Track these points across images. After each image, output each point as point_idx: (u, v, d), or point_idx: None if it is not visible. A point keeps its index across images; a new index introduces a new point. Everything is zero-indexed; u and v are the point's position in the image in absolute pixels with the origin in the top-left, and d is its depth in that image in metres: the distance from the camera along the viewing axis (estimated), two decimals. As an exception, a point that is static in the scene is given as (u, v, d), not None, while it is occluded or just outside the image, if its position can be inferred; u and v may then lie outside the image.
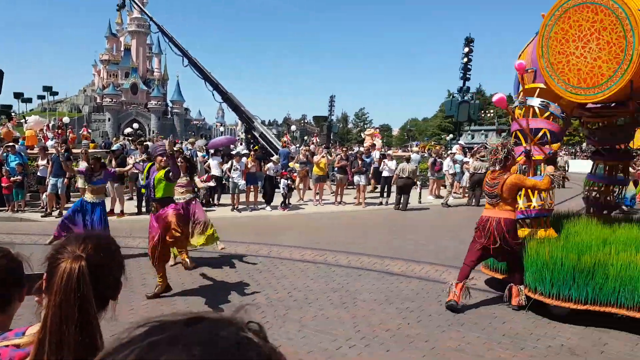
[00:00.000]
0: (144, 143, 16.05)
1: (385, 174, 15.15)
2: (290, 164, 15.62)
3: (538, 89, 6.28)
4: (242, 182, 13.39)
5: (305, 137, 48.55)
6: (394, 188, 14.92)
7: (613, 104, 6.52)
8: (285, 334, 5.02)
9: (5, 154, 13.50)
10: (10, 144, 14.50)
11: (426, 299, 6.21)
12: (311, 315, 5.60)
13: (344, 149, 17.23)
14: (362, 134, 26.77)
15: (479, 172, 14.22)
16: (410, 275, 7.30)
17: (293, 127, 40.73)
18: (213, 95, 23.52)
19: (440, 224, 12.40)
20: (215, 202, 14.44)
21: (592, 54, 5.50)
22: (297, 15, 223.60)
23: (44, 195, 13.05)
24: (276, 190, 14.30)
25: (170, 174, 6.14)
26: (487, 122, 63.52)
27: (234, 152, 15.59)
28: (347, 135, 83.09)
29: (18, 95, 68.90)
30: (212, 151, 15.60)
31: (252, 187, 13.81)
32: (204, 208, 12.99)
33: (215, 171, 14.10)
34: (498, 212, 5.66)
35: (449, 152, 16.64)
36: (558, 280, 5.32)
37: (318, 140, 35.11)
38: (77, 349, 1.11)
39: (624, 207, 11.19)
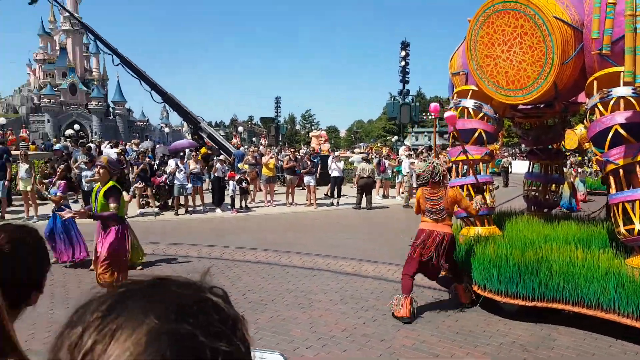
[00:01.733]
0: (86, 145, 15.47)
1: (334, 174, 15.33)
2: (240, 165, 15.50)
3: (471, 91, 6.57)
4: (189, 185, 13.14)
5: (254, 139, 48.26)
6: (344, 190, 15.11)
7: (542, 105, 6.94)
8: (242, 337, 5.00)
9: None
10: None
11: (380, 298, 6.34)
12: (267, 317, 5.61)
13: (293, 150, 17.26)
14: (310, 135, 26.93)
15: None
16: (364, 275, 7.45)
17: (240, 129, 40.33)
18: (151, 95, 22.85)
19: (393, 223, 12.70)
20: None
21: (517, 57, 5.77)
22: (240, 13, 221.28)
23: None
24: (225, 192, 14.14)
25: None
26: (430, 123, 65.66)
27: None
28: (295, 137, 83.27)
29: (-59, 94, 64.01)
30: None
31: (197, 188, 13.64)
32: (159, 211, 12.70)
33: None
34: (443, 227, 5.64)
35: (406, 153, 16.93)
36: (505, 277, 5.48)
37: (266, 142, 35.05)
38: None
39: (564, 210, 11.77)
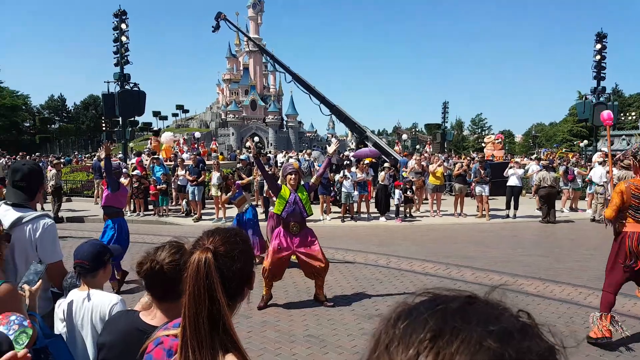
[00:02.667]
0: (264, 153, 16.98)
1: (511, 182, 14.10)
2: (404, 174, 15.31)
3: None
4: (355, 193, 13.43)
5: (418, 146, 47.58)
6: (522, 199, 13.84)
7: None
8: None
9: (151, 165, 15.17)
10: (155, 156, 16.23)
11: (570, 323, 5.54)
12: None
13: (464, 157, 16.45)
14: (484, 141, 25.28)
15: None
16: (549, 297, 6.60)
17: (404, 136, 39.99)
18: (320, 108, 24.07)
19: (581, 239, 11.18)
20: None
21: None
22: (405, 18, 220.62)
23: (183, 202, 14.53)
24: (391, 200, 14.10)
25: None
26: (629, 125, 56.79)
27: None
28: (462, 143, 79.91)
29: (156, 114, 77.24)
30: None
31: (363, 196, 13.85)
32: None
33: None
34: None
35: (599, 160, 14.73)
36: None
37: (431, 149, 34.23)
38: (213, 338, 1.20)
39: None
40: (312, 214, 6.43)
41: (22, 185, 2.71)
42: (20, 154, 20.29)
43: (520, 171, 14.35)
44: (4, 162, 19.27)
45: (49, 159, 19.30)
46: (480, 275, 7.69)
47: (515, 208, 14.05)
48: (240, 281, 1.34)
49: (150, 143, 32.18)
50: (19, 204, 2.66)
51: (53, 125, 70.78)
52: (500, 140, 22.61)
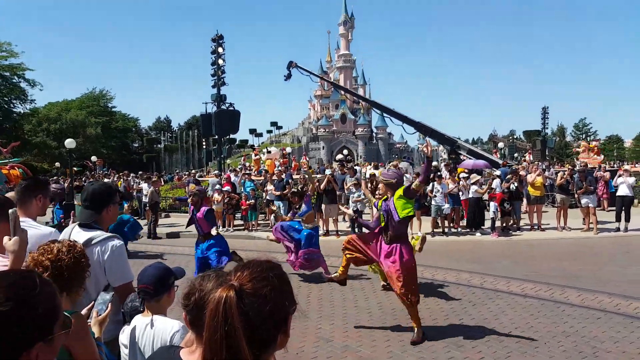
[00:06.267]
0: (351, 166, 16.93)
1: (621, 192, 12.65)
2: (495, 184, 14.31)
3: None
4: (446, 206, 12.82)
5: (516, 154, 44.85)
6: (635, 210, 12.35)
7: None
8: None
9: (243, 181, 15.79)
10: (247, 171, 16.91)
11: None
12: (539, 364, 4.78)
13: (567, 165, 15.10)
14: (579, 148, 23.07)
15: None
16: (673, 325, 5.73)
17: (500, 144, 37.81)
18: (403, 127, 23.45)
19: None
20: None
21: None
22: (496, 21, 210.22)
23: (272, 216, 14.90)
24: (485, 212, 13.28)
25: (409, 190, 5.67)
26: None
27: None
28: (565, 150, 74.03)
29: (252, 131, 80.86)
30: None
31: (455, 209, 13.16)
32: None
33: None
34: None
35: None
36: None
37: (531, 157, 32.00)
38: None
39: None
40: (409, 215, 5.62)
41: (87, 204, 2.81)
42: (124, 172, 22.19)
43: (632, 179, 12.85)
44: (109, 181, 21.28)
45: (145, 176, 20.88)
46: (588, 297, 6.90)
47: (627, 220, 12.59)
48: (272, 327, 1.12)
49: (244, 160, 33.85)
50: (88, 225, 2.76)
51: (159, 145, 76.96)
52: (582, 147, 20.41)
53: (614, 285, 7.53)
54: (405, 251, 5.62)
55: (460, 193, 13.19)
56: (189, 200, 7.56)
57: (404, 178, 14.77)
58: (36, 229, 2.80)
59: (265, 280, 1.13)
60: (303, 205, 8.46)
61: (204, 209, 7.23)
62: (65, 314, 1.23)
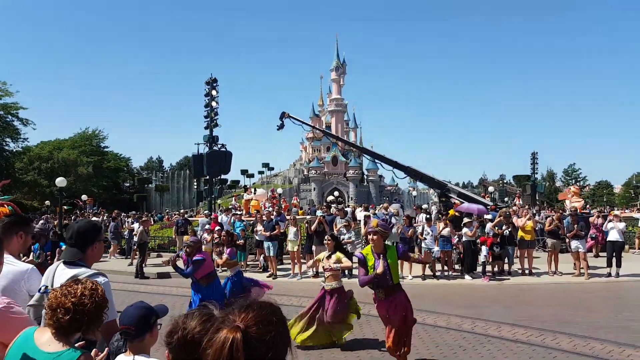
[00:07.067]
0: (344, 209, 16.94)
1: (611, 237, 12.74)
2: (487, 228, 14.37)
3: None
4: (436, 249, 12.80)
5: (506, 199, 45.26)
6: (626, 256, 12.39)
7: None
8: None
9: (232, 221, 15.77)
10: (238, 212, 16.92)
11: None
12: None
13: (557, 209, 15.26)
14: (566, 192, 23.32)
15: None
16: (666, 373, 5.66)
17: (491, 189, 38.29)
18: (393, 172, 23.75)
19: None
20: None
21: None
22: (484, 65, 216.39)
23: (261, 257, 14.80)
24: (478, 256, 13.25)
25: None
26: None
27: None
28: (554, 195, 74.81)
29: (244, 172, 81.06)
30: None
31: (446, 252, 13.13)
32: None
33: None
34: None
35: None
36: None
37: (521, 202, 32.30)
38: None
39: None
40: (398, 282, 5.66)
41: (72, 242, 2.81)
42: (115, 212, 21.97)
43: (622, 225, 12.96)
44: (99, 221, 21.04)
45: (137, 216, 20.73)
46: (580, 344, 6.80)
47: (618, 266, 12.58)
48: None
49: (235, 200, 33.76)
50: (73, 262, 2.74)
51: (150, 185, 76.75)
52: (570, 193, 20.61)
53: (606, 332, 7.45)
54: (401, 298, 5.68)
55: (455, 237, 13.22)
56: (184, 251, 7.44)
57: (394, 219, 14.95)
58: (12, 266, 2.82)
59: (270, 325, 1.16)
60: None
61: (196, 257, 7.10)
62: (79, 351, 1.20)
